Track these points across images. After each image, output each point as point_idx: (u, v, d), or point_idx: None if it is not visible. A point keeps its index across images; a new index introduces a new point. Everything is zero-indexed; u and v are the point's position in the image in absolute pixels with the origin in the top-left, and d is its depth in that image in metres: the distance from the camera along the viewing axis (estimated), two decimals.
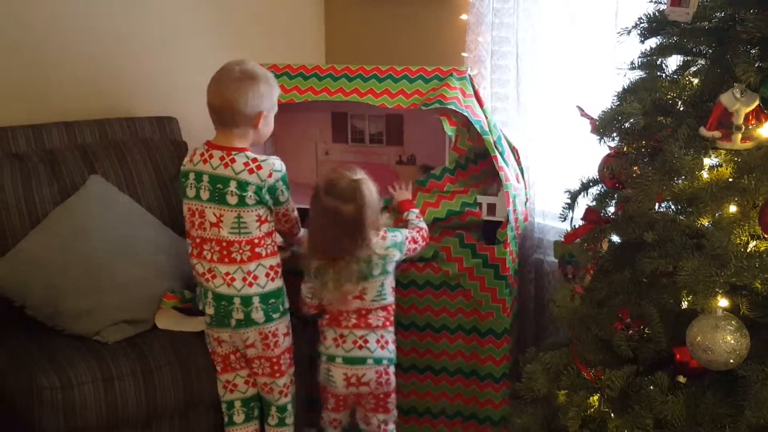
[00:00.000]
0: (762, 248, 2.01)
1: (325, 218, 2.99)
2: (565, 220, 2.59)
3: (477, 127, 3.33)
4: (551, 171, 3.66)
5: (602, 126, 2.27)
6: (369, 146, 3.91)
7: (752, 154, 2.07)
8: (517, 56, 3.69)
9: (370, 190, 3.00)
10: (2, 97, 3.65)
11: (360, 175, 3.02)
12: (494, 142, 3.40)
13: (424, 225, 3.27)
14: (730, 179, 2.10)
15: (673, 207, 2.27)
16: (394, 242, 3.09)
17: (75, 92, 3.85)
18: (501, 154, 3.43)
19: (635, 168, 2.23)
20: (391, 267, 3.12)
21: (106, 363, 3.03)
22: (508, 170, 3.40)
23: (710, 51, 2.23)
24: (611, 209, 2.41)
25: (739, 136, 2.10)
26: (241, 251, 3.04)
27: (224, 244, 3.04)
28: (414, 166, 3.87)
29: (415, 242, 3.19)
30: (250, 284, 3.05)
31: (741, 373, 1.99)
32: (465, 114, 3.31)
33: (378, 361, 3.13)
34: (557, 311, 2.51)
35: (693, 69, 2.32)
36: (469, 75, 3.50)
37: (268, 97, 3.10)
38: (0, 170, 3.36)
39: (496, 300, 3.39)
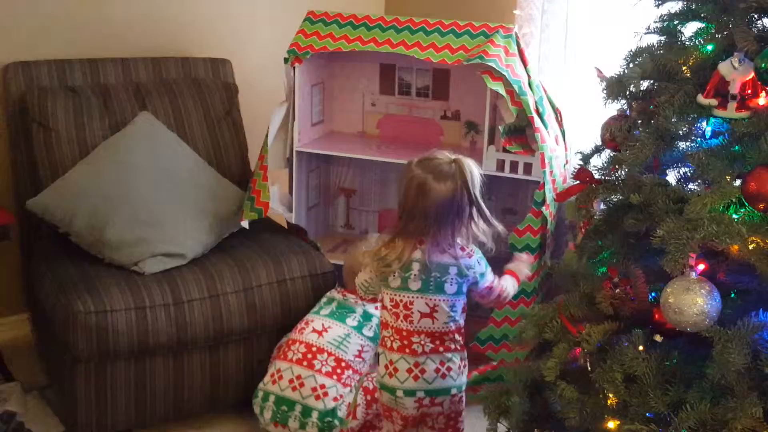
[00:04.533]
0: (743, 217, 2.02)
1: (410, 190, 2.64)
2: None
3: (515, 87, 3.35)
4: (594, 132, 3.66)
5: (608, 88, 2.30)
6: (415, 99, 3.97)
7: (741, 122, 2.07)
8: (567, 16, 3.69)
9: (474, 174, 2.65)
10: (61, 30, 3.78)
11: (461, 156, 2.68)
12: (535, 102, 3.42)
13: (509, 291, 2.82)
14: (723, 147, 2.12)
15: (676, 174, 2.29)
16: (479, 269, 2.70)
17: (132, 29, 3.96)
18: (541, 115, 3.44)
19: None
20: (465, 288, 2.68)
21: (140, 293, 3.15)
22: (545, 132, 3.41)
23: (716, 18, 2.23)
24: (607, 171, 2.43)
25: (734, 105, 2.10)
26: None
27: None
28: (458, 121, 3.92)
29: (491, 291, 2.76)
30: None
31: (705, 335, 2.02)
32: (504, 73, 3.33)
33: (459, 388, 2.75)
34: (556, 267, 2.54)
35: (704, 36, 2.31)
36: (516, 33, 3.51)
37: None
38: (54, 101, 3.50)
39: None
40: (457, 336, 2.70)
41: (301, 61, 3.65)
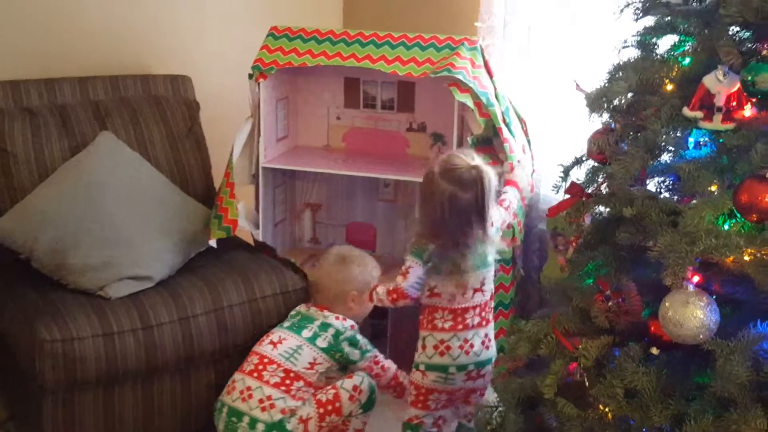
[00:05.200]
0: (735, 228, 2.03)
1: (442, 205, 2.85)
2: (558, 193, 2.61)
3: (483, 99, 3.34)
4: (559, 143, 3.66)
5: (591, 103, 2.30)
6: (380, 112, 3.95)
7: (731, 135, 2.08)
8: (529, 27, 3.69)
9: (490, 177, 2.88)
10: (16, 50, 3.69)
11: (478, 160, 2.90)
12: (502, 113, 3.41)
13: (514, 205, 3.16)
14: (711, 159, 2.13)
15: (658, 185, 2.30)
16: (497, 226, 2.99)
17: (89, 47, 3.88)
18: (508, 125, 3.44)
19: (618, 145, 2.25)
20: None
21: (107, 318, 3.07)
22: (513, 142, 3.41)
23: (698, 32, 2.24)
24: (596, 184, 2.43)
25: (720, 117, 2.11)
26: None
27: None
28: (424, 133, 3.90)
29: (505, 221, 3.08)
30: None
31: (707, 348, 2.02)
32: (471, 85, 3.32)
33: (495, 358, 3.04)
34: (545, 281, 2.53)
35: (683, 50, 2.32)
36: (480, 45, 3.51)
37: None
38: (11, 123, 3.41)
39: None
40: (491, 304, 3.03)
41: (266, 77, 3.61)
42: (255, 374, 3.14)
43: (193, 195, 3.68)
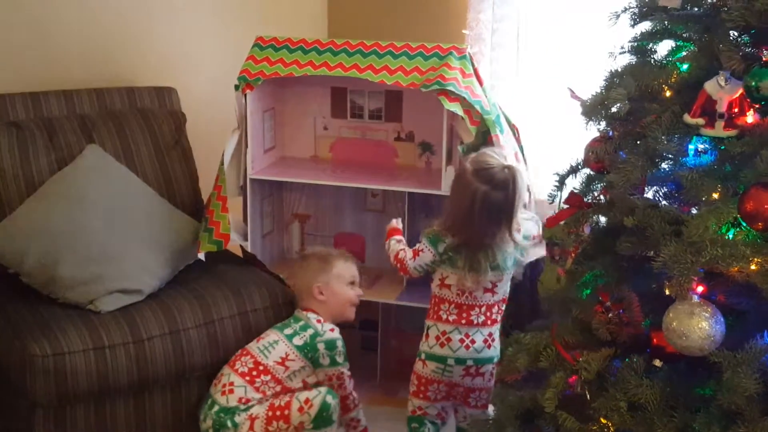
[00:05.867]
0: (739, 237, 2.01)
1: (472, 203, 2.89)
2: (553, 202, 2.60)
3: (477, 107, 3.33)
4: (552, 150, 3.66)
5: (588, 110, 2.28)
6: (368, 122, 3.92)
7: (734, 142, 2.07)
8: (518, 35, 3.69)
9: (523, 178, 2.93)
10: (1, 64, 3.64)
11: (511, 160, 2.98)
12: (493, 121, 3.40)
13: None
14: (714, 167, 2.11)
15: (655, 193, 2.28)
16: (526, 234, 3.02)
17: (74, 61, 3.84)
18: (500, 133, 3.43)
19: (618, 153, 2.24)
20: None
21: (97, 332, 3.04)
22: (507, 149, 3.40)
23: (698, 38, 2.23)
24: (594, 194, 2.42)
25: (722, 123, 2.10)
26: None
27: None
28: (412, 142, 3.89)
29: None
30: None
31: (713, 359, 2.01)
32: (464, 95, 3.31)
33: (500, 358, 3.04)
34: (543, 292, 2.52)
35: (681, 55, 2.31)
36: (469, 53, 3.50)
37: None
38: None
39: None
40: (502, 306, 3.06)
41: (252, 88, 3.58)
42: (231, 363, 3.21)
43: (180, 207, 3.65)
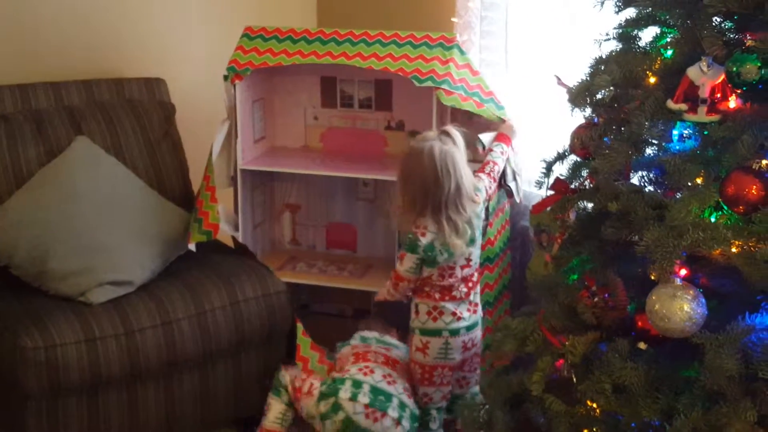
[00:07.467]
0: (721, 220, 2.03)
1: (430, 159, 2.99)
2: (541, 188, 2.61)
3: (476, 98, 3.35)
4: (540, 138, 3.66)
5: (574, 97, 2.29)
6: (358, 111, 3.93)
7: (716, 127, 2.08)
8: (507, 22, 3.68)
9: (458, 134, 3.05)
10: None
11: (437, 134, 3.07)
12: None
13: (499, 164, 3.31)
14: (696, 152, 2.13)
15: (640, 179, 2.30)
16: (477, 186, 3.13)
17: (62, 52, 3.84)
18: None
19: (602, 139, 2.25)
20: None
21: (89, 324, 3.05)
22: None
23: (681, 24, 2.23)
24: (580, 180, 2.43)
25: (705, 109, 2.11)
26: None
27: None
28: (402, 131, 3.89)
29: (490, 187, 3.23)
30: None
31: (695, 341, 2.02)
32: (460, 91, 3.33)
33: (481, 322, 3.23)
34: (530, 278, 2.53)
35: (665, 41, 2.32)
36: (458, 43, 3.50)
37: None
38: None
39: None
40: (476, 274, 3.19)
41: (242, 78, 3.58)
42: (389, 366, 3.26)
43: (170, 198, 3.65)
